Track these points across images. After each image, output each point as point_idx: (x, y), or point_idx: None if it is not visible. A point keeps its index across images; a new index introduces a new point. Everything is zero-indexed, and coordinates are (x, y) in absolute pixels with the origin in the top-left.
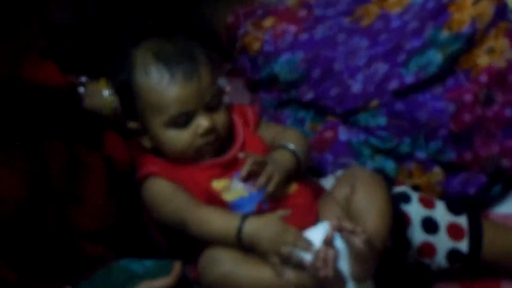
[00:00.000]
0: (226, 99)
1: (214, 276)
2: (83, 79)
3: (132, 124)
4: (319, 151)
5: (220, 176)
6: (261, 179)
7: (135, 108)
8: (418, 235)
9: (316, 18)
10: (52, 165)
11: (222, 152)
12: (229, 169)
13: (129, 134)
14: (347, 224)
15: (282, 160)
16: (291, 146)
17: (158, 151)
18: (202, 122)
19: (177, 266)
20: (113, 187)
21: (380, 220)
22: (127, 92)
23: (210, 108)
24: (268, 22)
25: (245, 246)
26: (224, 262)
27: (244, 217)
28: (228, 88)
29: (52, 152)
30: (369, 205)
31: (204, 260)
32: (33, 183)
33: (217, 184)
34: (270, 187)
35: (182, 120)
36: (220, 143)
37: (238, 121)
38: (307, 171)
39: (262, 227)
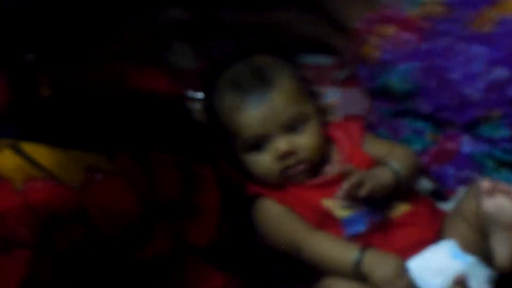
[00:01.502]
0: (335, 112)
1: None
2: (199, 95)
3: (221, 148)
4: (440, 163)
5: (329, 194)
6: (346, 184)
7: (218, 132)
8: None
9: (439, 32)
10: (163, 176)
11: (327, 170)
12: (337, 184)
13: None
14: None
15: (380, 175)
16: (394, 164)
17: None
18: (278, 145)
19: None
20: (227, 201)
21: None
22: (211, 115)
23: (290, 129)
24: (389, 30)
25: (361, 278)
26: None
27: (363, 249)
28: (335, 102)
29: (162, 163)
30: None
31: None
32: (143, 195)
33: (327, 202)
34: (362, 192)
35: (258, 143)
36: (310, 165)
37: (342, 137)
38: (428, 195)
39: (379, 265)
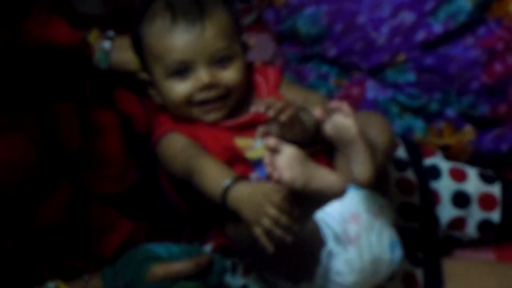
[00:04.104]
0: (249, 56)
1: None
2: (110, 33)
3: (143, 75)
4: None
5: (242, 134)
6: (274, 105)
7: (144, 58)
8: (448, 212)
9: None
10: (64, 128)
11: (243, 112)
12: (252, 128)
13: (144, 93)
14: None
15: (303, 116)
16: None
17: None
18: (201, 75)
19: (203, 256)
20: (130, 148)
21: (381, 132)
22: (138, 42)
23: (216, 62)
24: None
25: (227, 207)
26: None
27: (238, 178)
28: (252, 42)
29: (63, 114)
30: (368, 126)
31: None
32: (43, 147)
33: (240, 142)
34: (284, 115)
35: (181, 69)
36: (231, 102)
37: (260, 81)
38: None
39: (248, 195)
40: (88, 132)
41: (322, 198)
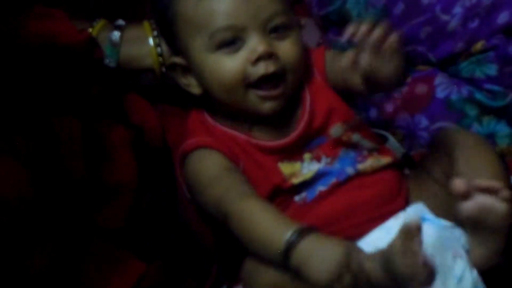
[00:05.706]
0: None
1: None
2: (120, 22)
3: (176, 59)
4: (409, 112)
5: (288, 158)
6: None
7: (176, 37)
8: None
9: None
10: (65, 149)
11: (288, 131)
12: (296, 151)
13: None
14: (479, 182)
15: None
16: None
17: (209, 97)
18: (255, 44)
19: None
20: (143, 168)
21: None
22: (166, 18)
23: (272, 31)
24: None
25: (289, 266)
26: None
27: (302, 231)
28: (303, 22)
29: (64, 133)
30: (477, 174)
31: (248, 266)
32: (41, 174)
33: (286, 168)
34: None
35: (229, 40)
36: (287, 88)
37: (305, 96)
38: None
39: (316, 259)
40: (94, 154)
41: None
